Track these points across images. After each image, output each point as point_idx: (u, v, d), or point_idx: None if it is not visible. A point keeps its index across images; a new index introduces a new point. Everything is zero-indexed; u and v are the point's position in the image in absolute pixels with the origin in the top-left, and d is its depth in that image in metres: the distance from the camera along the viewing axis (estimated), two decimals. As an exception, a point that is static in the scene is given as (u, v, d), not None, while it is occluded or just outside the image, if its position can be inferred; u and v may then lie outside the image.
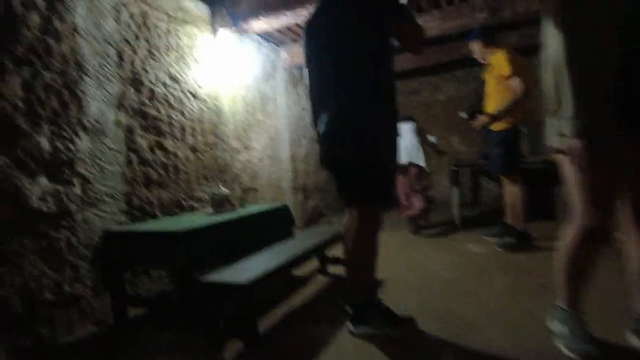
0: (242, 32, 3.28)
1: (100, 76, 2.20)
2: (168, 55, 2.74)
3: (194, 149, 2.93)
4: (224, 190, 2.56)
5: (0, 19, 1.75)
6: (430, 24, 3.58)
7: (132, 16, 2.45)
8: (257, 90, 3.90)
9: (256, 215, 2.40)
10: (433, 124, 5.78)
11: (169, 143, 2.69)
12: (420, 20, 3.56)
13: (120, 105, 2.33)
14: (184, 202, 2.79)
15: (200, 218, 2.22)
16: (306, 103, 4.98)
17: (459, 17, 3.48)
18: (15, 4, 1.81)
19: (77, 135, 2.05)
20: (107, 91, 2.24)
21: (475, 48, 3.09)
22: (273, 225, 2.59)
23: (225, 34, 3.24)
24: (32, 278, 1.81)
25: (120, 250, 1.97)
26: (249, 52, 3.72)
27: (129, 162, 2.37)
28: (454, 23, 3.52)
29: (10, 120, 1.77)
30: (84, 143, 2.08)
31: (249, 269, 1.74)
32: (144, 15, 2.55)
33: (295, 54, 4.28)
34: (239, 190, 3.47)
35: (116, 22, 2.34)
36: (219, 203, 2.47)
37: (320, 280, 2.58)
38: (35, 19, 1.89)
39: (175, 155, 2.75)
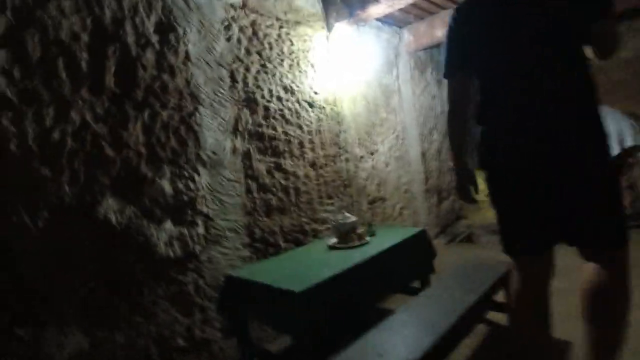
0: (360, 22, 2.81)
1: (214, 103, 2.05)
2: (281, 64, 2.47)
3: (314, 165, 2.64)
4: (349, 217, 2.19)
5: (119, 65, 1.69)
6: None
7: (242, 29, 2.24)
8: (378, 84, 3.40)
9: (389, 250, 1.96)
10: (615, 94, 4.29)
11: (287, 163, 2.46)
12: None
13: (236, 131, 2.16)
14: (307, 227, 2.54)
15: (324, 257, 1.90)
16: (436, 90, 4.25)
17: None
18: (130, 45, 1.74)
19: (196, 171, 1.94)
20: (221, 118, 2.09)
21: None
22: (409, 260, 2.10)
23: (341, 27, 2.83)
24: (165, 325, 1.77)
25: (239, 298, 1.79)
26: (368, 42, 3.23)
27: (248, 191, 2.21)
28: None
29: (136, 168, 1.72)
30: (203, 179, 1.97)
31: (391, 352, 1.30)
32: (254, 25, 2.32)
33: (421, 34, 3.60)
34: (365, 204, 3.08)
35: (227, 40, 2.16)
36: (345, 234, 2.11)
37: (478, 331, 2.00)
38: (150, 56, 1.80)
39: (295, 175, 2.50)
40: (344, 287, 1.65)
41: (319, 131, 2.71)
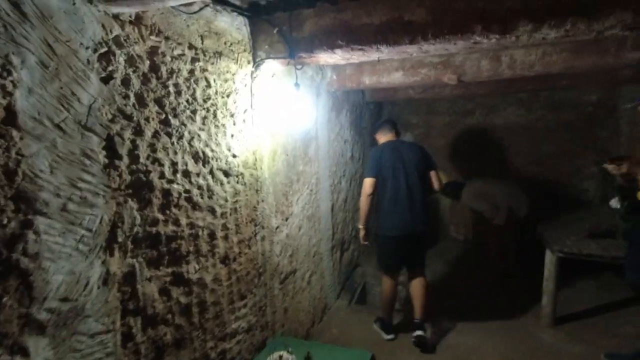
0: (300, 64, 2.14)
1: (71, 205, 1.09)
2: (192, 119, 1.61)
3: (226, 260, 1.86)
4: (286, 356, 1.54)
5: None
6: (554, 57, 2.52)
7: (132, 61, 1.31)
8: (298, 131, 2.79)
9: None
10: (486, 153, 4.80)
11: (192, 268, 1.62)
12: (537, 52, 2.52)
13: (111, 243, 1.23)
14: (212, 353, 1.75)
15: None
16: (348, 133, 3.88)
17: (598, 54, 2.43)
18: None
19: (22, 352, 0.97)
20: (85, 229, 1.13)
21: None
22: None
23: (272, 65, 2.10)
24: None
25: None
26: (290, 81, 2.57)
27: (127, 339, 1.30)
28: (589, 60, 2.47)
29: None
30: (38, 358, 1.00)
31: None
32: (154, 55, 1.40)
33: (347, 76, 3.14)
34: (277, 286, 2.43)
35: (104, 81, 1.20)
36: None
37: None
38: None
39: (201, 284, 1.68)
40: None
41: (235, 210, 1.93)
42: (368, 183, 2.73)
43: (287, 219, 2.63)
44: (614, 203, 2.16)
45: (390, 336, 2.87)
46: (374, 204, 2.81)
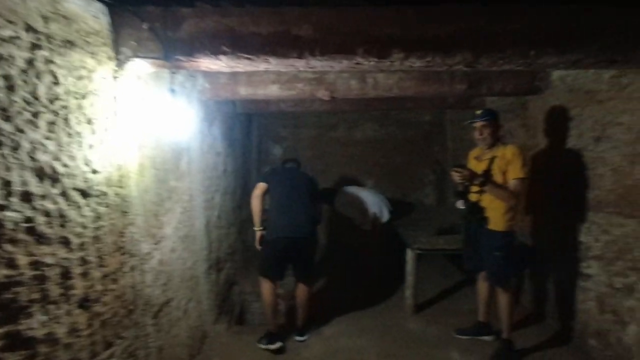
0: (177, 68, 1.89)
1: None
2: (33, 124, 1.22)
3: (85, 302, 1.47)
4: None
5: None
6: (407, 83, 2.95)
7: None
8: (169, 142, 2.48)
9: None
10: (350, 164, 5.27)
11: (36, 322, 1.21)
12: (395, 77, 2.91)
13: None
14: None
15: None
16: (221, 146, 3.68)
17: (438, 83, 2.97)
18: None
19: None
20: None
21: (485, 131, 2.59)
22: None
23: (142, 65, 1.80)
24: None
25: None
26: (163, 86, 2.28)
27: None
28: (431, 87, 2.99)
29: None
30: None
31: None
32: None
33: (221, 85, 2.97)
34: (150, 321, 2.07)
35: None
36: None
37: None
38: None
39: (51, 340, 1.27)
40: None
41: (98, 238, 1.56)
42: (258, 186, 3.01)
43: (159, 242, 2.29)
44: (460, 204, 2.62)
45: (278, 344, 2.86)
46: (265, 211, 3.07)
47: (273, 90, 3.00)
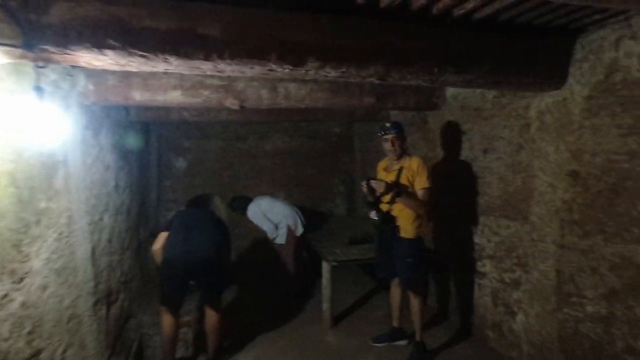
0: (43, 60, 1.50)
1: None
2: None
3: None
4: None
5: None
6: (319, 94, 2.94)
7: None
8: (36, 154, 2.00)
9: None
10: (260, 176, 5.09)
11: None
12: (307, 88, 2.88)
13: None
14: None
15: None
16: (111, 157, 3.17)
17: (348, 96, 3.03)
18: None
19: None
20: None
21: (396, 142, 2.68)
22: None
23: (-9, 56, 1.39)
24: None
25: None
26: (23, 83, 1.82)
27: None
28: (342, 99, 3.03)
29: None
30: None
31: None
32: None
33: (109, 87, 2.55)
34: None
35: None
36: None
37: None
38: None
39: None
40: None
41: None
42: (160, 237, 2.84)
43: (21, 280, 1.81)
44: (373, 215, 2.66)
45: None
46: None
47: (175, 97, 2.69)
